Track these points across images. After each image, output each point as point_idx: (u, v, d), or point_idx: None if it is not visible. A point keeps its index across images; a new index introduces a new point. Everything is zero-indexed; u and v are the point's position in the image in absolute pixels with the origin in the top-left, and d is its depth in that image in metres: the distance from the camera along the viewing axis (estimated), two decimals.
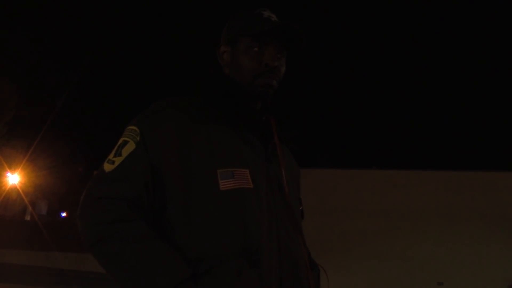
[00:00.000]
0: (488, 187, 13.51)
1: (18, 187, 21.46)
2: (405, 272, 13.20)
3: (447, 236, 13.27)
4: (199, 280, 1.05)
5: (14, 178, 21.45)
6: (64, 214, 29.32)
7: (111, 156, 1.18)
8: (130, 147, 1.16)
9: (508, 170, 14.03)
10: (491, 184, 13.57)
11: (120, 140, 1.20)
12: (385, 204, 14.06)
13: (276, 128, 1.31)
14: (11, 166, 21.12)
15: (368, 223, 13.96)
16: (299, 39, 1.29)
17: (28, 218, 23.79)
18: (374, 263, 13.55)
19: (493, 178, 13.74)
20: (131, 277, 1.04)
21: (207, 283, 1.06)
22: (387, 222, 13.85)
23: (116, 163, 1.15)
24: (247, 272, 1.08)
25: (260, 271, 1.10)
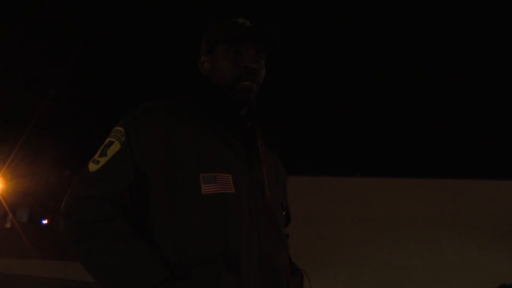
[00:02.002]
0: (472, 194, 13.68)
1: None
2: (390, 280, 13.26)
3: (432, 243, 13.38)
4: (177, 281, 1.06)
5: None
6: (45, 222, 28.90)
7: (96, 156, 1.19)
8: (115, 147, 1.17)
9: (492, 178, 14.26)
10: (475, 191, 13.73)
11: (106, 141, 1.21)
12: (370, 211, 14.14)
13: (261, 133, 1.33)
14: None
15: (352, 230, 14.01)
16: (273, 40, 1.31)
17: (8, 225, 23.40)
18: (358, 270, 13.59)
19: (477, 185, 13.92)
20: (110, 275, 1.05)
21: (185, 285, 1.07)
22: (372, 229, 13.92)
23: (101, 163, 1.16)
24: (225, 275, 1.10)
25: (238, 275, 1.11)
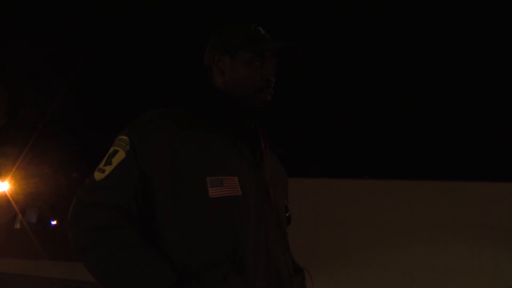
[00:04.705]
0: (480, 196, 13.56)
1: (8, 195, 21.27)
2: (397, 282, 13.20)
3: (439, 246, 13.29)
4: (185, 286, 1.06)
5: (4, 186, 21.26)
6: (54, 222, 29.08)
7: (101, 165, 1.20)
8: (120, 156, 1.18)
9: (500, 181, 14.13)
10: (483, 193, 13.61)
11: (110, 150, 1.22)
12: (377, 213, 14.07)
13: (264, 135, 1.34)
14: (1, 173, 20.96)
15: (359, 232, 13.96)
16: (299, 58, 1.38)
17: (18, 226, 23.56)
18: (365, 272, 13.54)
19: (485, 188, 13.79)
20: (118, 283, 1.06)
21: None
22: (379, 231, 13.86)
23: (107, 172, 1.17)
24: (232, 278, 1.10)
25: (245, 277, 1.12)
